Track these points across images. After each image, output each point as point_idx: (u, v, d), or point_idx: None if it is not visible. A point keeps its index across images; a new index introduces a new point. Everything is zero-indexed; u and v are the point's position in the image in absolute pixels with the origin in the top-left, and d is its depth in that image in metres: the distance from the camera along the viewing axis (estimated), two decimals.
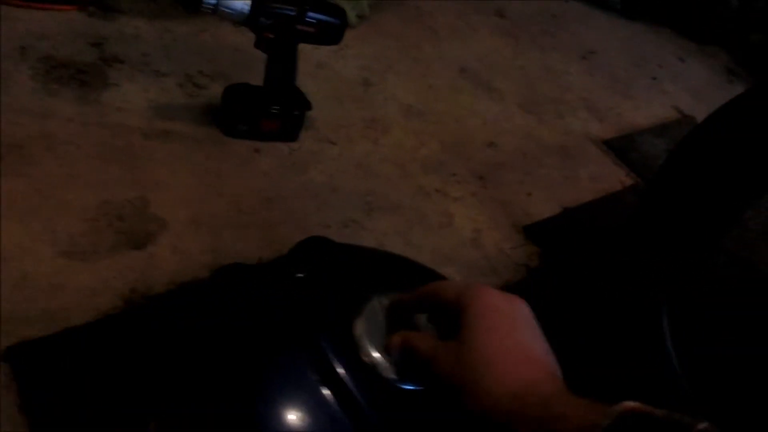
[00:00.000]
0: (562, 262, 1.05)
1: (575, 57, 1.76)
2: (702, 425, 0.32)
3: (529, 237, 1.09)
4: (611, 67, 1.78)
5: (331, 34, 0.95)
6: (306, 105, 1.04)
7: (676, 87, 1.85)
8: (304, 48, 0.98)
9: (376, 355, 0.48)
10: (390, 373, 0.47)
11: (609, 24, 2.04)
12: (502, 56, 1.59)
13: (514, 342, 0.43)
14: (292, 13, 0.89)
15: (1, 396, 0.63)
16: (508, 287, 0.97)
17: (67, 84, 1.00)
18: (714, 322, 0.96)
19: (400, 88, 1.31)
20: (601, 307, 0.97)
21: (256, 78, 1.01)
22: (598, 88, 1.66)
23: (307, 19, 0.90)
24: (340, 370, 0.46)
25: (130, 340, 0.67)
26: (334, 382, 0.46)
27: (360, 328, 0.49)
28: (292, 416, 0.45)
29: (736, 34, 2.19)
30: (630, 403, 0.35)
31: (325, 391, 0.46)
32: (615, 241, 1.08)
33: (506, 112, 1.39)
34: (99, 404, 0.58)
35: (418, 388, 0.48)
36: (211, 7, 0.82)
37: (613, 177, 1.34)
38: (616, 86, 1.71)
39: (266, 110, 1.00)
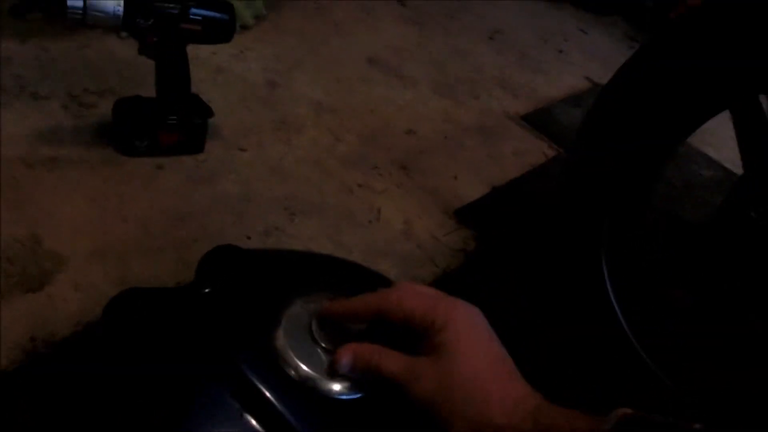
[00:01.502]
0: (498, 241, 1.03)
1: (482, 37, 1.75)
2: (697, 426, 0.33)
3: (462, 221, 1.06)
4: (519, 45, 1.79)
5: (219, 32, 0.87)
6: (207, 112, 0.96)
7: (583, 58, 1.88)
8: (200, 54, 0.91)
9: (304, 367, 0.42)
10: (324, 386, 0.42)
11: (511, 3, 2.06)
12: (408, 43, 1.56)
13: (494, 358, 0.41)
14: (174, 11, 0.81)
15: None
16: (447, 275, 0.93)
17: None
18: (651, 273, 0.97)
19: (308, 86, 1.25)
20: (543, 276, 0.96)
21: (149, 90, 0.93)
22: (508, 65, 1.66)
23: (192, 17, 0.82)
24: (266, 392, 0.40)
25: (35, 397, 0.58)
26: (260, 407, 0.40)
27: (282, 339, 0.42)
28: None
29: (632, 2, 2.27)
30: (624, 409, 0.35)
31: (252, 420, 0.39)
32: (547, 212, 1.07)
33: (421, 98, 1.36)
34: None
35: (356, 396, 0.42)
36: (79, 12, 0.73)
37: (536, 150, 1.33)
38: (525, 62, 1.71)
39: (163, 122, 0.92)
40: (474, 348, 0.41)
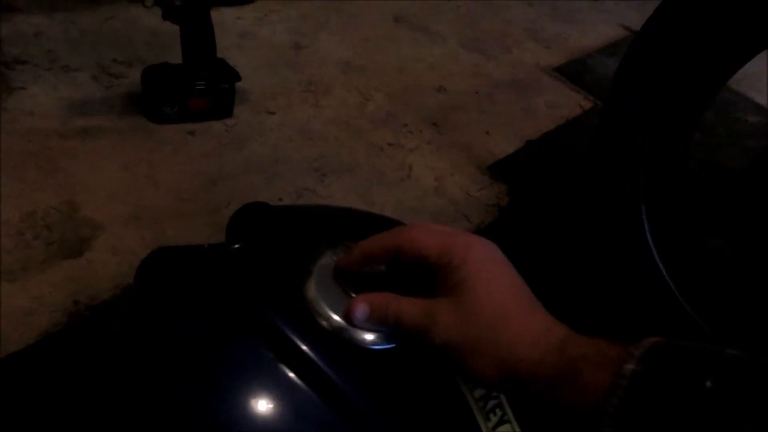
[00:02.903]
0: (533, 195, 1.01)
1: None
2: (731, 351, 0.31)
3: (495, 176, 1.04)
4: None
5: None
6: (234, 76, 0.96)
7: (617, 5, 1.81)
8: (224, 19, 0.91)
9: (336, 318, 0.41)
10: (356, 335, 0.41)
11: None
12: None
13: (515, 291, 0.39)
14: None
15: None
16: (480, 231, 0.92)
17: None
18: (691, 222, 0.94)
19: (335, 46, 1.23)
20: (579, 230, 0.94)
21: (176, 57, 0.93)
22: (540, 17, 1.60)
23: None
24: (299, 342, 0.40)
25: (74, 357, 0.60)
26: (294, 357, 0.39)
27: (313, 290, 0.42)
28: (254, 406, 0.38)
29: None
30: (654, 337, 0.33)
31: (286, 370, 0.39)
32: (583, 165, 1.04)
33: (450, 54, 1.32)
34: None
35: (390, 345, 0.42)
36: None
37: (572, 102, 1.29)
38: (558, 13, 1.65)
39: (191, 87, 0.92)
40: (493, 283, 0.39)
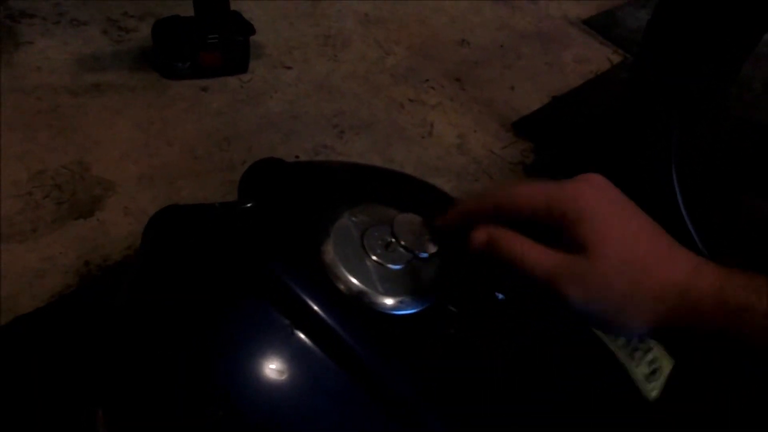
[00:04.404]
0: (558, 153, 0.96)
1: None
2: None
3: (520, 133, 0.99)
4: None
5: None
6: (248, 29, 0.92)
7: None
8: None
9: (355, 281, 0.39)
10: (376, 300, 0.38)
11: None
12: None
13: (649, 233, 0.36)
14: None
15: None
16: None
17: None
18: (725, 182, 0.90)
19: None
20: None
21: (188, 11, 0.88)
22: None
23: None
24: (316, 308, 0.37)
25: (85, 318, 0.58)
26: (311, 323, 0.37)
27: (330, 252, 0.39)
28: (269, 374, 0.36)
29: None
30: None
31: (303, 337, 0.37)
32: (612, 122, 0.99)
33: (473, 6, 1.26)
34: (52, 394, 0.50)
35: (410, 311, 0.39)
36: None
37: (600, 56, 1.22)
38: None
39: (203, 41, 0.88)
40: (623, 231, 0.35)
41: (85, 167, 0.77)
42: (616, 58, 1.23)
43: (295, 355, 0.36)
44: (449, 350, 0.40)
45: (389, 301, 0.39)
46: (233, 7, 0.90)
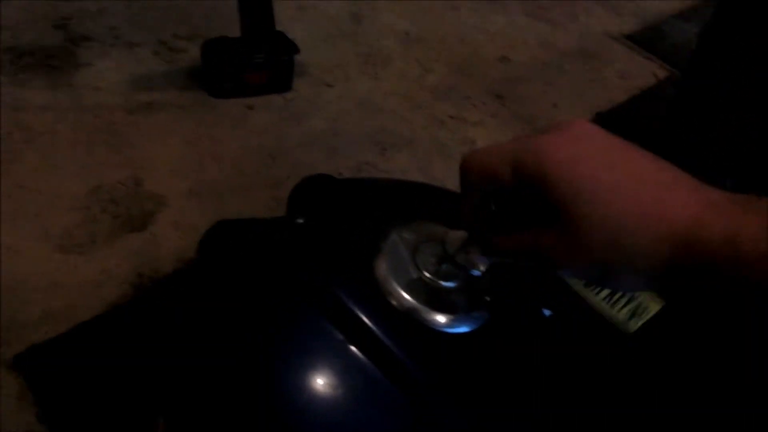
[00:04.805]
0: None
1: None
2: None
3: None
4: None
5: None
6: (293, 48, 0.94)
7: None
8: None
9: (408, 297, 0.39)
10: (429, 317, 0.39)
11: None
12: None
13: (638, 179, 0.30)
14: None
15: (17, 407, 0.57)
16: None
17: (36, 71, 0.92)
18: None
19: (394, 17, 1.19)
20: None
21: (235, 31, 0.91)
22: None
23: None
24: (370, 323, 0.38)
25: (141, 328, 0.60)
26: (365, 338, 0.38)
27: (383, 268, 0.40)
28: (324, 388, 0.37)
29: None
30: None
31: (356, 351, 0.38)
32: (659, 139, 0.97)
33: (514, 23, 1.27)
34: (113, 402, 0.52)
35: (462, 330, 0.39)
36: None
37: (645, 71, 1.21)
38: None
39: (250, 61, 0.91)
40: (598, 186, 0.29)
41: (139, 182, 0.80)
42: (662, 73, 1.22)
43: (349, 370, 0.37)
44: (500, 370, 0.40)
45: (442, 319, 0.39)
46: (278, 27, 0.93)
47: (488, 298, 0.41)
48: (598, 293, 0.50)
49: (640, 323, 0.49)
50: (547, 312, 0.47)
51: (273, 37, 0.93)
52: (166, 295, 0.67)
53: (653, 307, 0.49)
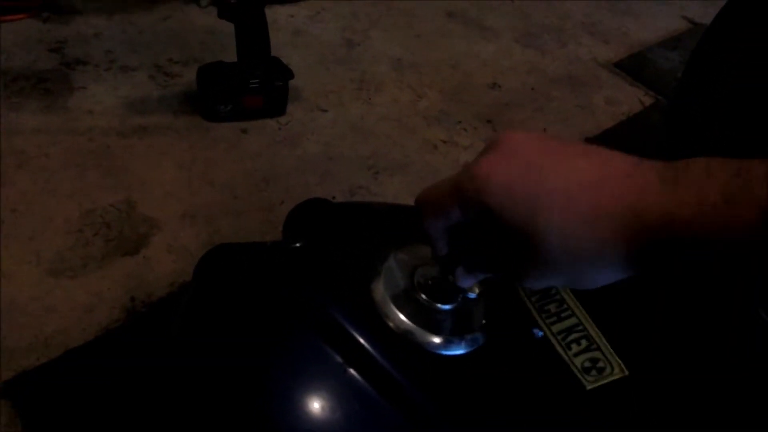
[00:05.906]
0: None
1: None
2: None
3: None
4: None
5: None
6: (287, 74, 0.95)
7: None
8: (278, 18, 0.90)
9: (405, 320, 0.39)
10: (426, 339, 0.39)
11: None
12: None
13: (578, 185, 0.31)
14: None
15: None
16: None
17: (30, 95, 0.92)
18: None
19: (387, 43, 1.21)
20: None
21: (231, 56, 0.93)
22: (597, 10, 1.55)
23: None
24: (368, 346, 0.38)
25: (134, 353, 0.60)
26: (363, 361, 0.38)
27: (380, 291, 0.40)
28: (321, 410, 0.37)
29: None
30: None
31: (356, 375, 0.38)
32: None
33: (504, 50, 1.29)
34: (104, 430, 0.51)
35: (459, 352, 0.39)
36: None
37: (631, 98, 1.24)
38: (615, 5, 1.59)
39: (245, 86, 0.92)
40: (549, 202, 0.30)
41: (132, 205, 0.80)
42: (648, 100, 1.24)
43: (346, 392, 0.37)
44: (496, 392, 0.40)
45: (439, 341, 0.39)
46: (273, 53, 0.94)
47: (484, 321, 0.42)
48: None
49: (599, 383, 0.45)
50: (539, 333, 0.47)
51: (268, 63, 0.94)
52: (160, 319, 0.66)
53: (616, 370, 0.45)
